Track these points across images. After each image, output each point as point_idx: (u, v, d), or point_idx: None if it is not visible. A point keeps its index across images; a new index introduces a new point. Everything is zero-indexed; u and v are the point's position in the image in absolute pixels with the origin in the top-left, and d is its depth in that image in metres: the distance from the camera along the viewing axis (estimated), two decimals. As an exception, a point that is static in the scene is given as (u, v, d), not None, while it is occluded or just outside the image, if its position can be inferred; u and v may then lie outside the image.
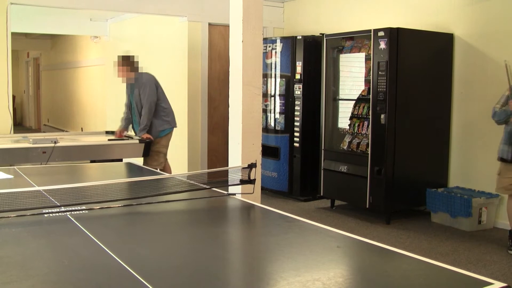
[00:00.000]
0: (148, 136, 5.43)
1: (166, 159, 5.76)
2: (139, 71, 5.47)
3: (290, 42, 6.39)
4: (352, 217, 5.63)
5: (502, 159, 4.44)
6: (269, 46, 6.59)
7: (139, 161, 5.28)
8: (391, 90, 5.17)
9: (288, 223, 2.41)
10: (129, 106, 5.68)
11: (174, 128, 5.75)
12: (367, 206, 5.45)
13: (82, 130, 10.75)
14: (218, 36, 7.16)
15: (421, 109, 5.45)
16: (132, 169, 4.00)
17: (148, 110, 5.40)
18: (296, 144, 6.38)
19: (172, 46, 7.39)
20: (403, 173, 5.39)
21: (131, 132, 5.80)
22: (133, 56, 5.45)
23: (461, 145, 5.56)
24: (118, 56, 5.47)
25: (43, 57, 15.01)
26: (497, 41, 5.18)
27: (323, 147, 5.98)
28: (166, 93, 5.73)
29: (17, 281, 1.63)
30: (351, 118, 5.74)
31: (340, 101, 6.00)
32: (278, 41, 6.53)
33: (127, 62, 5.40)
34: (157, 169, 5.10)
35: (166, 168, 5.70)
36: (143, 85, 5.43)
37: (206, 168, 6.96)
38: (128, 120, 5.77)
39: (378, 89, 5.24)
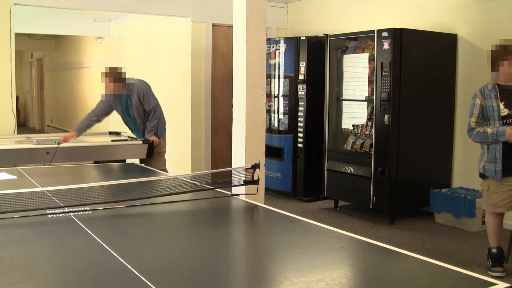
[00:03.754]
0: (156, 138, 5.43)
1: None
2: (129, 81, 5.22)
3: (293, 42, 6.39)
4: (356, 218, 5.62)
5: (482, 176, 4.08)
6: (273, 47, 6.59)
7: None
8: (394, 91, 5.16)
9: (291, 224, 2.41)
10: (123, 117, 5.53)
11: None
12: (370, 207, 5.44)
13: (85, 131, 10.73)
14: (221, 36, 7.16)
15: (424, 109, 5.44)
16: (136, 170, 4.00)
17: (156, 114, 5.38)
18: (300, 145, 6.37)
19: (175, 47, 7.39)
20: (407, 173, 5.38)
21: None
22: (120, 67, 5.19)
23: (464, 145, 5.54)
24: (103, 73, 5.14)
25: (46, 58, 15.03)
26: (501, 41, 5.16)
27: (326, 148, 5.97)
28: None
29: (20, 281, 1.64)
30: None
31: (343, 102, 6.00)
32: (282, 41, 6.53)
33: (119, 79, 5.12)
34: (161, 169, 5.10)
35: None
36: (142, 92, 5.29)
37: (209, 168, 6.96)
38: (85, 126, 5.54)
39: (382, 90, 5.23)
